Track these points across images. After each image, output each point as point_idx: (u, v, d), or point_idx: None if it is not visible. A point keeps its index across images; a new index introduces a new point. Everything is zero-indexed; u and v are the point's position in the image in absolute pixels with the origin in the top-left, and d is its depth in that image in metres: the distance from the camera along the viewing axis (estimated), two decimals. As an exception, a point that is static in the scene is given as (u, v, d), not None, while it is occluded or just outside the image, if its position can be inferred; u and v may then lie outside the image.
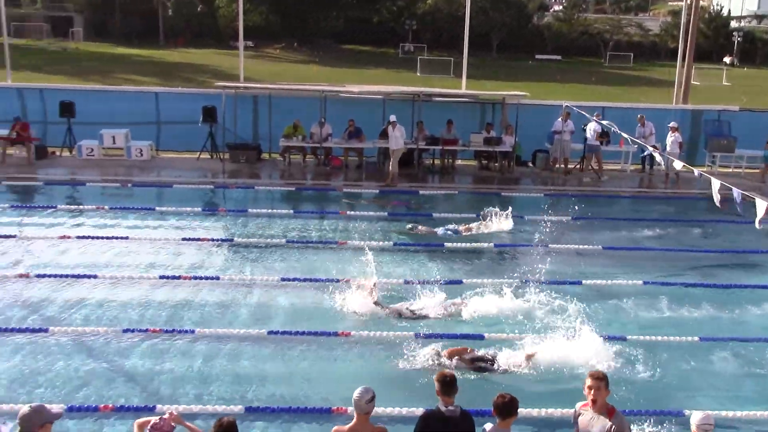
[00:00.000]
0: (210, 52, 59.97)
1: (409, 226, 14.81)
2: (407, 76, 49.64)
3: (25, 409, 4.99)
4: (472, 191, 18.69)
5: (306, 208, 16.21)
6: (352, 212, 15.74)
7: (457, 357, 8.93)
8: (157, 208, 15.64)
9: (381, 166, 19.87)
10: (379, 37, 71.43)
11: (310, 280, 11.65)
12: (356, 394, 5.81)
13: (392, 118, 18.49)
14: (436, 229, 14.56)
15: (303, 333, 9.71)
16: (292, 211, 15.80)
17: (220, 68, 48.61)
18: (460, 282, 11.80)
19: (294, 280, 11.62)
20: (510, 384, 8.19)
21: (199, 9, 71.78)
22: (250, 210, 15.78)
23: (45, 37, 62.53)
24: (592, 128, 19.44)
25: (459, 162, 21.11)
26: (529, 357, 9.01)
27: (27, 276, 11.52)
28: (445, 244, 13.94)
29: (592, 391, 5.75)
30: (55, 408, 6.19)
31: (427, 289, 10.98)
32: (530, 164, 21.19)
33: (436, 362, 8.83)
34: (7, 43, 24.16)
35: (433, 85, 32.67)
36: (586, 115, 17.87)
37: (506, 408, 5.68)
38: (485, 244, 13.99)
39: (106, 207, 15.50)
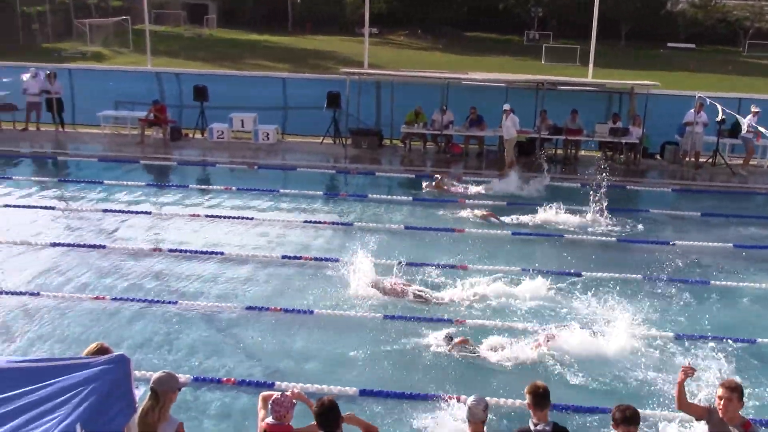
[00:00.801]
0: (335, 39, 61.01)
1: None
2: (532, 64, 48.78)
3: (159, 373, 5.32)
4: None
5: (425, 196, 16.24)
6: (471, 201, 15.67)
7: (464, 344, 8.94)
8: (281, 190, 16.12)
9: (502, 155, 19.68)
10: (503, 24, 70.41)
11: (427, 265, 11.73)
12: (471, 401, 5.72)
13: (506, 106, 18.31)
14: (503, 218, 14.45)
15: (418, 319, 9.83)
16: (410, 198, 15.90)
17: (345, 55, 49.40)
18: (579, 274, 11.58)
19: (411, 264, 11.71)
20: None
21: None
22: (369, 195, 15.99)
23: (182, 24, 65.47)
24: (746, 120, 18.42)
25: (582, 153, 20.58)
26: (545, 341, 8.95)
27: (159, 250, 12.21)
28: (564, 235, 13.69)
29: (722, 402, 5.48)
30: (182, 377, 6.54)
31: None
32: (658, 157, 20.39)
33: (446, 347, 8.94)
34: (148, 30, 25.49)
35: (558, 74, 31.95)
36: (719, 106, 17.01)
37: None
38: (608, 239, 13.61)
39: (234, 188, 16.15)
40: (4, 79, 19.29)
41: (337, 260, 11.79)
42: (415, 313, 10.07)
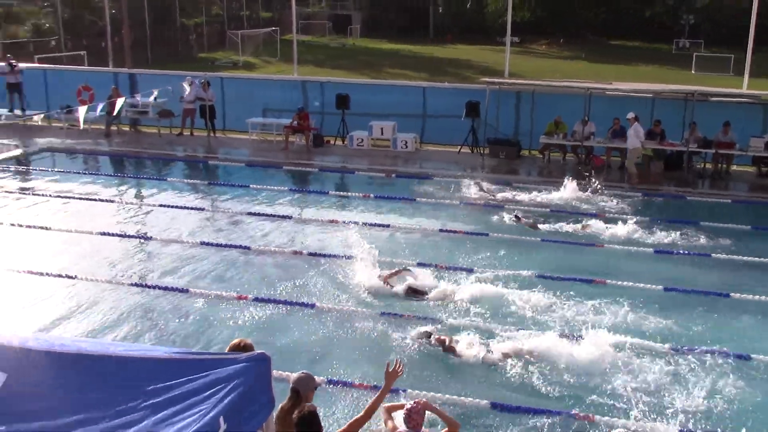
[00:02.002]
0: (476, 48, 60.82)
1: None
2: (681, 74, 46.58)
3: (299, 374, 5.50)
4: (747, 200, 17.13)
5: (564, 208, 15.86)
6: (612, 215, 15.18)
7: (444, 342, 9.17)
8: (417, 199, 16.24)
9: (647, 168, 18.93)
10: (650, 32, 67.75)
11: (562, 279, 11.48)
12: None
13: (630, 115, 17.71)
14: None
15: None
16: (548, 210, 15.60)
17: (485, 64, 49.17)
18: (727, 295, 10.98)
19: (546, 278, 11.50)
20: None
21: (468, 6, 73.22)
22: (506, 206, 15.80)
23: (327, 34, 67.45)
24: None
25: (734, 168, 19.45)
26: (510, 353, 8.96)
27: (300, 253, 12.62)
28: (712, 254, 13.02)
29: None
30: (318, 379, 6.73)
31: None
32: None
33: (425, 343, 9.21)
34: (295, 40, 26.45)
35: (710, 84, 30.37)
36: None
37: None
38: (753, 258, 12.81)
39: (372, 195, 16.44)
40: (168, 87, 20.57)
41: (471, 270, 11.76)
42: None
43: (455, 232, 14.03)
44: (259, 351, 4.21)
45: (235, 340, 5.58)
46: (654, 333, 9.73)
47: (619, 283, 11.44)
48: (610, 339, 9.21)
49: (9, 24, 47.14)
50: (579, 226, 14.24)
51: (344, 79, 28.10)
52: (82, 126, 18.99)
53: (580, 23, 66.41)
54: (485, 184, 16.98)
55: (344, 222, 14.40)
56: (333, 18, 71.34)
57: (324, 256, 12.49)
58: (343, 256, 12.33)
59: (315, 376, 5.96)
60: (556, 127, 19.70)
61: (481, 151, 20.38)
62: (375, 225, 14.33)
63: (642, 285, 11.36)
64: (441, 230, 14.13)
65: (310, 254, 12.58)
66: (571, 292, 10.90)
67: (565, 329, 9.70)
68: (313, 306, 10.43)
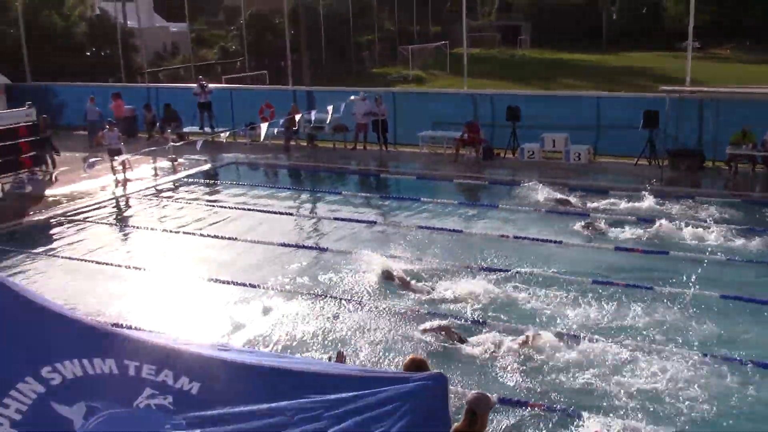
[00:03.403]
0: (652, 55, 58.17)
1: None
2: None
3: (475, 393, 5.46)
4: None
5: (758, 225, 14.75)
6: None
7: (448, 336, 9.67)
8: (591, 214, 15.69)
9: None
10: None
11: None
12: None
13: None
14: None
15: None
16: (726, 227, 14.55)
17: (663, 71, 46.90)
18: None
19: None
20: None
21: (644, 11, 70.20)
22: (689, 222, 14.87)
23: (496, 46, 67.16)
24: None
25: None
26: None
27: (469, 267, 12.59)
28: None
29: None
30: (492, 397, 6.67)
31: None
32: None
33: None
34: (465, 53, 26.56)
35: None
36: None
37: None
38: None
39: (542, 210, 16.11)
40: (342, 103, 21.30)
41: (650, 288, 11.23)
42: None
43: (632, 250, 13.44)
44: (435, 371, 4.22)
45: (410, 358, 5.62)
46: None
47: None
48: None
49: (200, 48, 50.85)
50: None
51: (514, 90, 27.84)
52: (262, 139, 20.11)
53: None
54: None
55: (515, 237, 14.23)
56: (502, 29, 70.91)
57: (495, 270, 12.37)
58: (515, 272, 12.16)
59: (490, 395, 5.91)
60: (744, 136, 18.42)
61: (660, 163, 19.42)
62: (546, 241, 14.02)
63: None
64: (618, 248, 13.58)
65: (483, 269, 12.51)
66: None
67: None
68: (484, 323, 10.35)
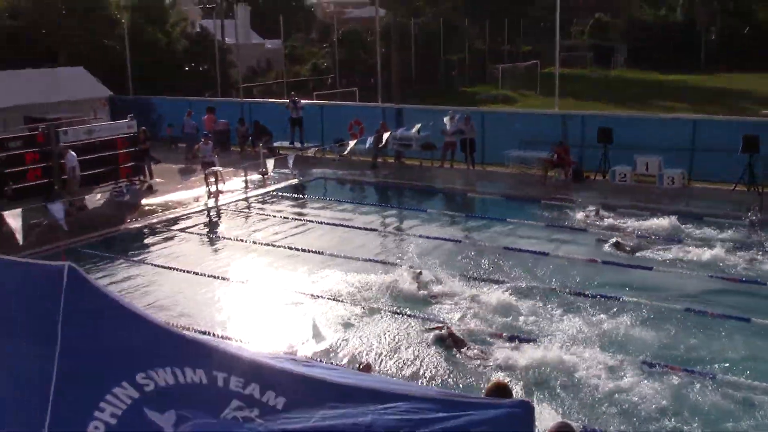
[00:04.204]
0: (753, 77, 56.02)
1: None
2: None
3: (558, 424, 5.30)
4: None
5: None
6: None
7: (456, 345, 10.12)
8: (684, 239, 15.18)
9: None
10: None
11: None
12: None
13: None
14: None
15: None
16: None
17: (764, 94, 45.15)
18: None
19: None
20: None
21: (745, 31, 67.71)
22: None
23: (589, 66, 66.04)
24: None
25: None
26: None
27: (554, 290, 12.36)
28: None
29: None
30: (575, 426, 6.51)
31: None
32: None
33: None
34: (557, 73, 26.22)
35: None
36: None
37: None
38: None
39: (635, 234, 15.66)
40: (430, 122, 21.41)
41: (747, 320, 10.77)
42: None
43: (729, 279, 12.92)
44: (522, 398, 4.15)
45: (494, 383, 5.54)
46: None
47: None
48: None
49: (293, 64, 52.02)
50: None
51: (606, 111, 27.28)
52: (346, 153, 20.35)
53: None
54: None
55: (603, 262, 13.91)
56: (595, 49, 69.68)
57: (584, 296, 12.11)
58: (605, 297, 11.88)
59: (572, 423, 5.78)
60: None
61: (759, 190, 18.63)
62: (637, 267, 13.65)
63: None
64: (712, 276, 13.08)
65: (573, 293, 12.27)
66: None
67: None
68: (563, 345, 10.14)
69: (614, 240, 14.91)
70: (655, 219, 16.45)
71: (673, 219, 16.27)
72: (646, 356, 9.80)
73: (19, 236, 12.68)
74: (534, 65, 53.17)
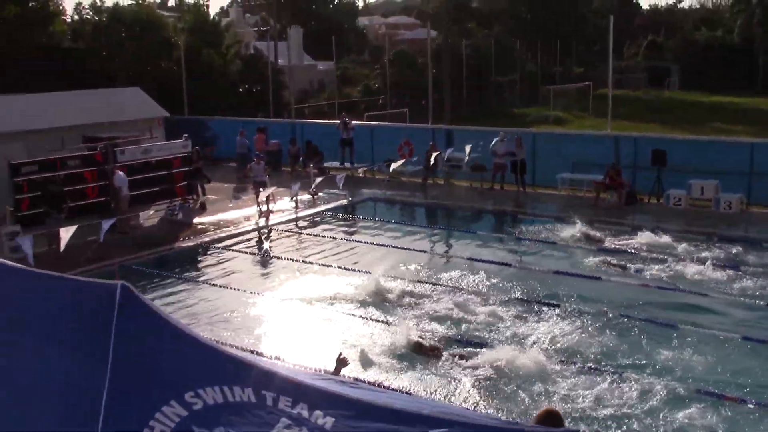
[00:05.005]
0: (816, 99, 54.62)
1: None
2: None
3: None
4: None
5: None
6: None
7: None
8: (742, 267, 14.75)
9: None
10: None
11: None
12: None
13: None
14: None
15: None
16: None
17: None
18: None
19: None
20: None
21: (807, 52, 66.08)
22: None
23: (642, 87, 65.16)
24: None
25: None
26: None
27: (604, 312, 12.13)
28: None
29: None
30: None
31: None
32: None
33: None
34: (610, 94, 25.90)
35: None
36: None
37: None
38: None
39: (687, 259, 15.29)
40: (480, 142, 21.34)
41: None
42: None
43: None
44: (572, 427, 4.08)
45: (545, 410, 5.41)
46: None
47: None
48: None
49: (345, 85, 52.53)
50: None
51: (660, 134, 26.83)
52: (399, 176, 20.36)
53: None
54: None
55: (658, 287, 13.62)
56: (649, 70, 68.76)
57: (641, 320, 11.88)
58: (659, 323, 11.62)
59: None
60: None
61: (822, 216, 18.08)
62: (690, 292, 13.32)
63: None
64: (769, 304, 12.71)
65: (626, 316, 12.03)
66: None
67: None
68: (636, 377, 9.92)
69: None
70: (711, 244, 16.07)
71: (731, 245, 15.85)
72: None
73: (75, 253, 12.99)
74: (586, 87, 52.68)
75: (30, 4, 33.81)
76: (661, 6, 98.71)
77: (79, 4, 72.08)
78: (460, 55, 50.49)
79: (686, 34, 73.40)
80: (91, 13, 41.11)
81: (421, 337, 11.25)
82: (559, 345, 11.03)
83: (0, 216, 16.76)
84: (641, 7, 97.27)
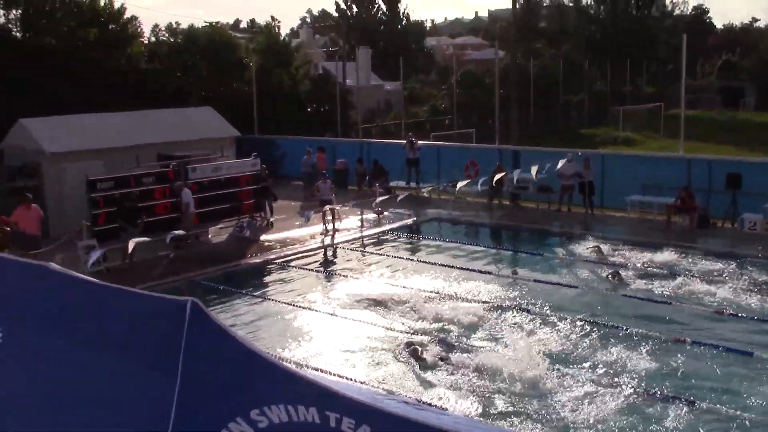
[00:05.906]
0: None
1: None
2: None
3: None
4: None
5: None
6: None
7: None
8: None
9: None
10: None
11: None
12: None
13: None
14: None
15: None
16: None
17: None
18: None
19: None
20: None
21: None
22: None
23: (716, 108, 63.49)
24: None
25: None
26: None
27: (683, 341, 11.83)
28: None
29: None
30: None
31: None
32: None
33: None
34: (683, 114, 25.29)
35: None
36: None
37: None
38: None
39: (765, 286, 14.77)
40: (548, 164, 21.08)
41: None
42: None
43: None
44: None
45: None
46: None
47: None
48: None
49: (412, 105, 52.75)
50: None
51: (736, 157, 26.05)
52: (465, 196, 20.26)
53: None
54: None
55: (733, 314, 13.19)
56: (723, 90, 66.97)
57: (711, 346, 11.54)
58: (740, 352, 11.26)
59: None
60: None
61: None
62: (762, 320, 12.87)
63: None
64: None
65: (696, 342, 11.70)
66: None
67: None
68: (692, 403, 9.62)
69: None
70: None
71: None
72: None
73: (145, 267, 13.33)
74: (657, 107, 51.61)
75: (110, 27, 35.02)
76: (736, 25, 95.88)
77: (156, 26, 74.77)
78: (527, 75, 50.15)
79: (762, 53, 71.26)
80: (167, 35, 42.46)
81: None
82: (626, 370, 10.78)
83: (77, 230, 17.33)
84: (715, 25, 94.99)
